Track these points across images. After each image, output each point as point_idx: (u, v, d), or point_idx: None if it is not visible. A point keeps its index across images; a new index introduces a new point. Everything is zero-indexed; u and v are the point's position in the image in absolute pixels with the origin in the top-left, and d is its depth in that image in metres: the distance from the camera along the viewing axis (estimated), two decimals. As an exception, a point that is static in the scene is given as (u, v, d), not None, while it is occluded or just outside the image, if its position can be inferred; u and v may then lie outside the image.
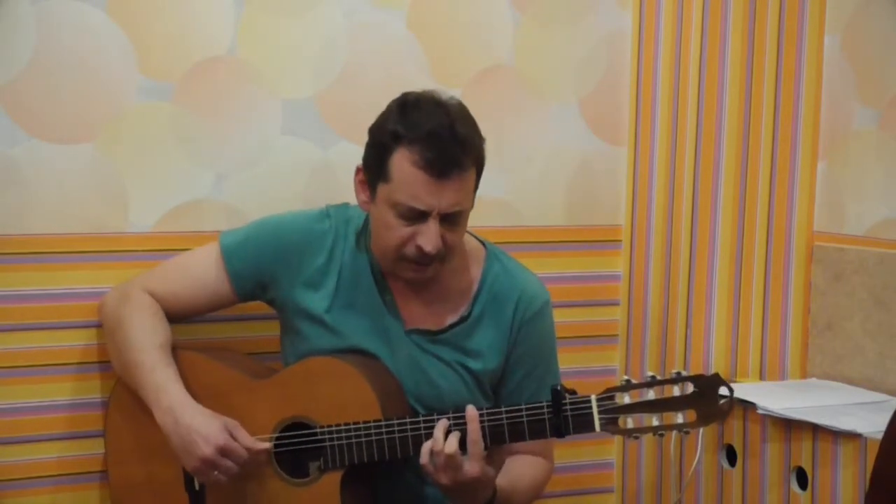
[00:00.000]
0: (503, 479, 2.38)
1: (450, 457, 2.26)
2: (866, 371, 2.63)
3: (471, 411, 2.29)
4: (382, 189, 2.35)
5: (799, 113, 2.75)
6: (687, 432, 2.27)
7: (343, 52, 2.77)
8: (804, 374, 2.77)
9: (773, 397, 2.56)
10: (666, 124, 2.94)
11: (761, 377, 2.80)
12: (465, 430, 2.28)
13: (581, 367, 2.91)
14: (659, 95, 2.95)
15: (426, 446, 2.29)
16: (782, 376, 2.79)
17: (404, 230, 2.34)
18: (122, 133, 2.63)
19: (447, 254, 2.38)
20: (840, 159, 2.73)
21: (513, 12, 2.90)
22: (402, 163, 2.31)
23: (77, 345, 2.62)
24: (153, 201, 2.67)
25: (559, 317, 2.64)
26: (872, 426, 2.34)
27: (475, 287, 2.49)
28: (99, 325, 2.60)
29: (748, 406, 2.54)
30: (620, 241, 3.05)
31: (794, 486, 2.51)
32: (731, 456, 2.65)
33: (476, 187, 2.39)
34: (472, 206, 2.40)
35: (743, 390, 2.59)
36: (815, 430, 2.44)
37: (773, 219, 2.78)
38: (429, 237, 2.32)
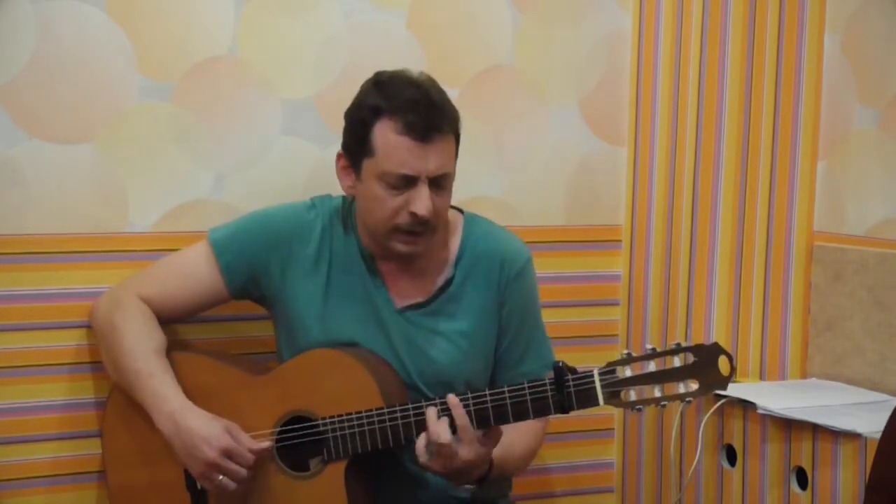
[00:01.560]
0: (497, 450, 2.38)
1: (442, 446, 2.27)
2: (866, 371, 2.63)
3: (451, 399, 2.29)
4: (368, 165, 2.40)
5: (799, 113, 2.74)
6: (689, 401, 2.29)
7: (343, 52, 2.77)
8: (804, 374, 2.77)
9: (773, 397, 2.55)
10: (666, 124, 2.94)
11: (761, 377, 2.80)
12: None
13: (581, 367, 2.90)
14: (659, 95, 2.95)
15: (422, 439, 2.29)
16: (782, 376, 2.78)
17: (396, 200, 2.38)
18: (122, 133, 2.63)
19: (437, 221, 2.41)
20: (840, 159, 2.72)
21: (513, 12, 2.90)
22: (386, 133, 2.37)
23: (76, 345, 2.62)
24: (153, 201, 2.67)
25: (559, 316, 2.65)
26: (872, 426, 2.34)
27: (456, 252, 2.53)
28: (98, 326, 2.61)
29: (748, 406, 2.54)
30: (620, 241, 3.06)
31: (794, 486, 2.51)
32: (731, 456, 2.65)
33: (456, 155, 2.44)
34: (454, 173, 2.44)
35: (743, 390, 2.59)
36: (815, 430, 2.44)
37: (773, 219, 2.78)
38: (422, 201, 2.37)
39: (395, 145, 2.36)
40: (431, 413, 2.30)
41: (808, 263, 2.75)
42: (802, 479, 2.49)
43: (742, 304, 2.82)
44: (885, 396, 2.56)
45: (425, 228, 2.40)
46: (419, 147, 2.36)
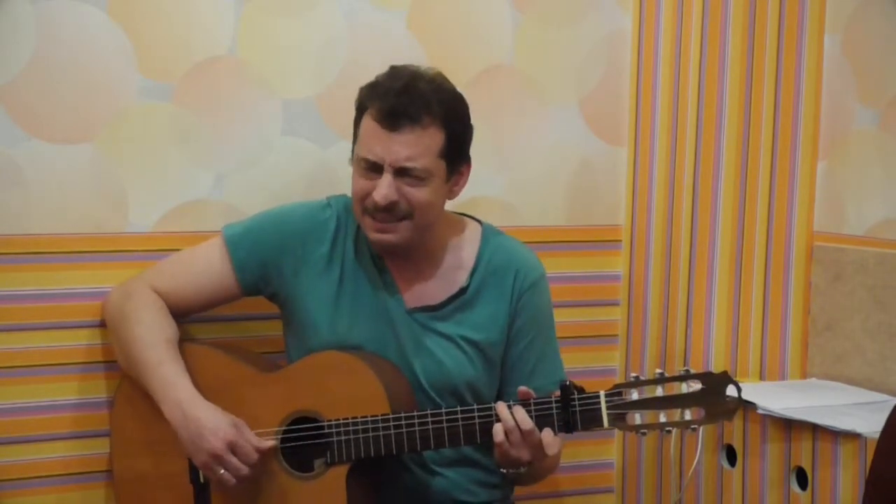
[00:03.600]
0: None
1: (528, 432, 2.29)
2: (866, 371, 2.63)
3: (500, 405, 2.32)
4: (355, 151, 2.45)
5: (799, 113, 2.74)
6: (694, 429, 2.29)
7: (343, 52, 2.77)
8: (804, 374, 2.77)
9: (773, 397, 2.56)
10: (666, 124, 2.94)
11: (761, 377, 2.80)
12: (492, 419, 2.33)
13: (581, 367, 2.91)
14: (659, 95, 2.95)
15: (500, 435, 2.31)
16: (782, 376, 2.78)
17: (365, 183, 2.41)
18: (122, 133, 2.63)
19: (416, 214, 2.41)
20: (840, 159, 2.72)
21: (513, 12, 2.90)
22: (366, 121, 2.41)
23: (77, 345, 2.62)
24: (153, 201, 2.67)
25: (559, 316, 2.65)
26: (872, 426, 2.34)
27: (472, 261, 2.53)
28: (100, 325, 2.61)
29: (748, 406, 2.54)
30: (620, 241, 3.05)
31: (794, 486, 2.51)
32: (731, 456, 2.65)
33: (447, 152, 2.42)
34: (436, 168, 2.42)
35: (743, 390, 2.59)
36: (815, 430, 2.44)
37: (773, 219, 2.78)
38: (380, 188, 2.39)
39: (367, 131, 2.41)
40: (520, 409, 2.31)
41: (808, 264, 2.75)
42: (802, 479, 2.50)
43: (742, 304, 2.82)
44: (885, 396, 2.56)
45: (388, 216, 2.41)
46: (385, 134, 2.38)
